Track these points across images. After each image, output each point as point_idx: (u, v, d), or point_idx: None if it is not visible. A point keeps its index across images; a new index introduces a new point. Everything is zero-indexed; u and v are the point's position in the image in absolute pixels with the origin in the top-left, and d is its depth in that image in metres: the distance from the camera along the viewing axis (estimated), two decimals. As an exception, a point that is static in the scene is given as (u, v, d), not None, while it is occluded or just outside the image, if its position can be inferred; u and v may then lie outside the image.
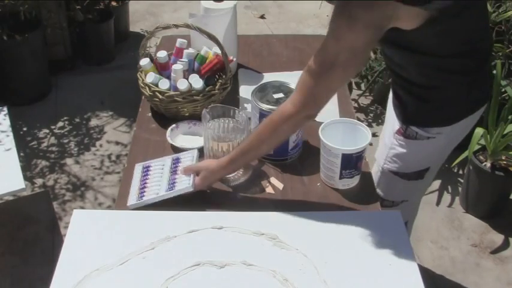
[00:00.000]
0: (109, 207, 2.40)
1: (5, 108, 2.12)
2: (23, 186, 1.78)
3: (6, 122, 2.05)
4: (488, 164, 2.30)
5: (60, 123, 2.94)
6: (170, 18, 3.91)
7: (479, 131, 2.22)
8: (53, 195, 2.48)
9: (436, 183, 2.60)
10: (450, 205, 2.50)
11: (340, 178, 1.33)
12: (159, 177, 1.33)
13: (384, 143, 1.50)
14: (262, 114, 1.36)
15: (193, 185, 1.28)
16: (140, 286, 1.08)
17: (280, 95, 1.40)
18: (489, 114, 2.29)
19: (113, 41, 3.46)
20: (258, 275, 1.10)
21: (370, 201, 1.32)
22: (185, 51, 1.58)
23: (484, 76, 1.40)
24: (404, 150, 1.44)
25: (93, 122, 2.96)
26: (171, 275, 1.09)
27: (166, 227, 1.20)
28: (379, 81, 2.85)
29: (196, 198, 1.31)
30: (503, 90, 2.42)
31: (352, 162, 1.31)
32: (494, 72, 2.35)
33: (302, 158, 1.45)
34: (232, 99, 1.63)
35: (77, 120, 2.97)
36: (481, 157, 2.34)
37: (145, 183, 1.33)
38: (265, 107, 1.35)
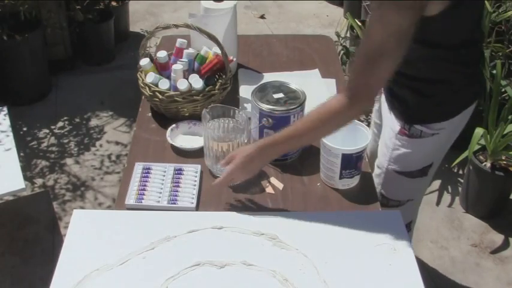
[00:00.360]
0: (109, 207, 2.40)
1: (5, 108, 2.12)
2: (23, 186, 1.78)
3: (6, 122, 2.05)
4: (488, 164, 2.30)
5: (60, 123, 2.94)
6: (170, 18, 3.91)
7: (479, 131, 2.22)
8: (53, 195, 2.48)
9: (436, 183, 2.60)
10: (450, 205, 2.50)
11: (340, 178, 1.33)
12: (159, 183, 1.34)
13: (385, 145, 1.50)
14: (262, 114, 1.36)
15: (196, 206, 1.29)
16: (140, 286, 1.08)
17: (280, 95, 1.40)
18: (489, 114, 2.29)
19: (113, 41, 3.46)
20: (258, 275, 1.10)
21: (370, 201, 1.32)
22: (185, 51, 1.58)
23: (480, 69, 1.45)
24: (409, 150, 1.44)
25: (93, 122, 2.96)
26: (171, 275, 1.09)
27: (166, 227, 1.20)
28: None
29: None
30: (503, 90, 2.42)
31: (352, 162, 1.31)
32: (494, 72, 2.35)
33: (302, 158, 1.45)
34: (232, 99, 1.63)
35: (77, 120, 2.97)
36: (481, 157, 2.34)
37: (145, 185, 1.33)
38: (265, 107, 1.35)
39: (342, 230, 1.21)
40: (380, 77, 1.19)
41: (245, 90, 1.67)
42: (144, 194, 1.31)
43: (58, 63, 3.26)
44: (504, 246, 2.30)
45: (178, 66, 1.50)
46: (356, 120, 1.39)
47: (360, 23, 2.80)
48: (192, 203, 1.29)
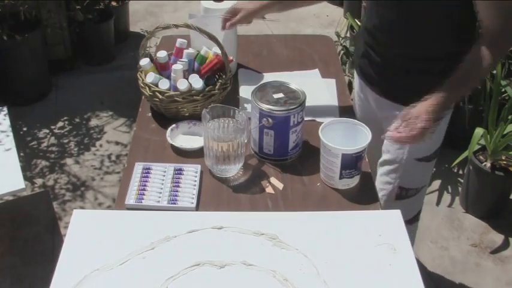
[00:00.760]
0: (109, 207, 2.41)
1: (5, 108, 2.12)
2: (23, 186, 1.78)
3: (6, 122, 2.05)
4: (488, 164, 2.30)
5: (60, 123, 2.94)
6: (170, 18, 3.91)
7: (479, 131, 2.22)
8: (53, 195, 2.48)
9: (436, 183, 2.60)
10: (450, 205, 2.50)
11: (340, 178, 1.33)
12: (159, 183, 1.34)
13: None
14: (262, 114, 1.36)
15: (196, 206, 1.29)
16: (140, 286, 1.08)
17: (280, 95, 1.40)
18: (489, 114, 2.29)
19: (113, 41, 3.46)
20: (258, 275, 1.10)
21: (370, 201, 1.32)
22: (185, 51, 1.58)
23: None
24: None
25: (93, 122, 2.96)
26: (171, 275, 1.09)
27: (166, 227, 1.20)
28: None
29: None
30: (503, 90, 2.42)
31: (352, 162, 1.31)
32: (494, 72, 2.35)
33: (302, 158, 1.45)
34: (232, 99, 1.63)
35: (77, 120, 2.97)
36: (481, 157, 2.34)
37: (145, 185, 1.33)
38: (265, 107, 1.35)
39: (342, 230, 1.21)
40: None
41: (245, 90, 1.67)
42: (144, 194, 1.31)
43: (58, 63, 3.27)
44: (504, 246, 2.30)
45: (178, 66, 1.50)
46: (356, 120, 1.40)
47: (359, 23, 2.79)
48: (192, 203, 1.29)
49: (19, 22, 2.89)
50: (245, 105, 1.62)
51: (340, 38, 2.84)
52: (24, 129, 2.88)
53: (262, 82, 1.53)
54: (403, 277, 1.10)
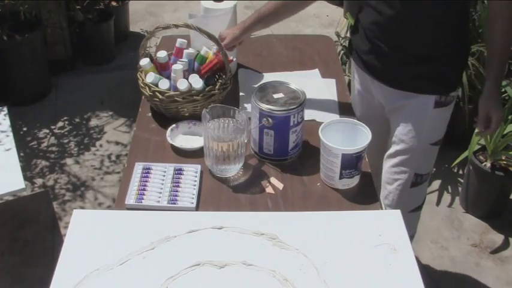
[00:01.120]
0: (109, 207, 2.41)
1: (5, 108, 2.12)
2: (23, 186, 1.78)
3: (6, 122, 2.05)
4: (488, 164, 2.30)
5: (60, 123, 2.94)
6: (170, 18, 3.91)
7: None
8: (53, 195, 2.48)
9: (436, 183, 2.60)
10: (450, 205, 2.50)
11: (340, 178, 1.33)
12: (160, 184, 1.34)
13: (414, 125, 1.57)
14: (262, 114, 1.36)
15: (196, 206, 1.29)
16: (140, 286, 1.08)
17: (280, 95, 1.40)
18: (489, 114, 2.29)
19: (113, 41, 3.46)
20: (258, 275, 1.10)
21: (370, 201, 1.32)
22: (185, 51, 1.58)
23: None
24: (443, 119, 1.59)
25: (93, 122, 2.96)
26: (171, 275, 1.09)
27: (166, 227, 1.20)
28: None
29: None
30: (503, 90, 2.42)
31: (352, 162, 1.31)
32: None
33: (302, 158, 1.45)
34: (232, 99, 1.63)
35: (77, 120, 2.97)
36: (481, 157, 2.34)
37: (145, 185, 1.33)
38: (265, 107, 1.35)
39: (342, 230, 1.21)
40: None
41: (245, 90, 1.67)
42: (144, 194, 1.31)
43: (58, 63, 3.27)
44: (504, 246, 2.30)
45: (178, 66, 1.50)
46: (356, 120, 1.40)
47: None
48: (192, 203, 1.29)
49: (19, 22, 2.89)
50: (245, 105, 1.62)
51: (340, 38, 2.84)
52: (24, 129, 2.88)
53: (262, 82, 1.53)
54: (403, 277, 1.10)
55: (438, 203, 2.51)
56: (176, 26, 1.47)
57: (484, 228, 2.38)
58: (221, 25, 1.66)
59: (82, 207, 2.41)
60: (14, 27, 2.88)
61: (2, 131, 2.00)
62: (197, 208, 1.29)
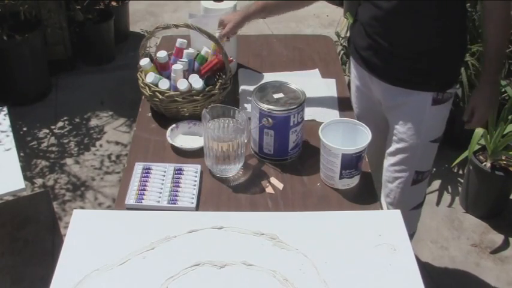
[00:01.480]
0: (109, 207, 2.41)
1: (5, 108, 2.12)
2: (23, 186, 1.78)
3: (6, 122, 2.05)
4: (488, 164, 2.30)
5: (60, 123, 2.94)
6: (170, 18, 3.91)
7: (479, 131, 2.22)
8: (53, 195, 2.48)
9: (436, 183, 2.60)
10: (450, 205, 2.50)
11: (340, 178, 1.33)
12: (159, 184, 1.34)
13: (413, 123, 1.58)
14: (262, 114, 1.36)
15: (196, 206, 1.29)
16: (140, 286, 1.08)
17: (280, 95, 1.40)
18: (489, 114, 2.29)
19: (113, 41, 3.46)
20: (258, 275, 1.10)
21: (370, 201, 1.32)
22: (185, 51, 1.58)
23: None
24: (441, 116, 1.59)
25: (93, 122, 2.96)
26: (171, 275, 1.09)
27: (166, 227, 1.20)
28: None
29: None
30: (503, 90, 2.43)
31: (352, 162, 1.31)
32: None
33: (302, 158, 1.45)
34: (232, 99, 1.63)
35: (77, 120, 2.97)
36: (481, 157, 2.34)
37: (145, 185, 1.33)
38: (265, 107, 1.35)
39: (342, 230, 1.21)
40: None
41: (245, 90, 1.67)
42: (144, 194, 1.31)
43: (58, 63, 3.27)
44: (504, 246, 2.30)
45: (178, 66, 1.50)
46: (356, 120, 1.40)
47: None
48: (192, 203, 1.29)
49: (19, 22, 2.89)
50: (245, 105, 1.62)
51: (340, 38, 2.84)
52: (24, 129, 2.88)
53: (262, 82, 1.53)
54: (403, 277, 1.10)
55: (438, 203, 2.51)
56: (176, 26, 1.47)
57: (484, 228, 2.38)
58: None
59: (82, 207, 2.41)
60: (14, 27, 2.88)
61: (2, 131, 2.00)
62: (197, 208, 1.29)
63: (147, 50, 1.64)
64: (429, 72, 1.52)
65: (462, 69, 2.40)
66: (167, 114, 1.54)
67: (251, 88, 1.44)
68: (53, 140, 2.82)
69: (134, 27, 3.83)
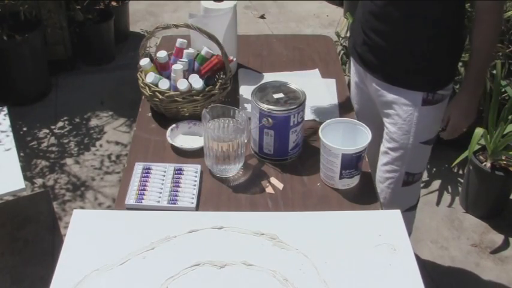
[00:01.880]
0: (109, 207, 2.41)
1: (5, 108, 2.13)
2: (23, 186, 1.78)
3: (6, 122, 2.05)
4: (488, 164, 2.30)
5: (60, 123, 2.94)
6: (170, 18, 3.92)
7: (479, 131, 2.22)
8: (53, 195, 2.48)
9: (436, 183, 2.60)
10: (450, 205, 2.50)
11: (340, 178, 1.33)
12: (160, 184, 1.34)
13: (404, 123, 1.57)
14: (262, 114, 1.36)
15: (196, 206, 1.29)
16: (140, 286, 1.08)
17: (280, 95, 1.40)
18: (489, 114, 2.29)
19: (113, 41, 3.46)
20: (258, 275, 1.10)
21: (370, 201, 1.32)
22: (185, 51, 1.58)
23: None
24: (432, 117, 1.58)
25: (93, 122, 2.96)
26: (171, 275, 1.09)
27: (166, 227, 1.20)
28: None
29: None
30: (503, 90, 2.43)
31: (352, 162, 1.31)
32: (494, 72, 2.36)
33: (302, 158, 1.45)
34: (232, 99, 1.63)
35: (77, 120, 2.97)
36: (481, 157, 2.34)
37: (145, 185, 1.33)
38: (265, 107, 1.35)
39: (342, 230, 1.21)
40: None
41: (245, 90, 1.67)
42: (144, 194, 1.31)
43: (58, 63, 3.27)
44: (504, 246, 2.30)
45: (178, 66, 1.50)
46: (356, 120, 1.40)
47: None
48: (192, 203, 1.29)
49: (19, 22, 2.89)
50: (245, 105, 1.62)
51: (340, 38, 2.85)
52: (24, 129, 2.88)
53: (262, 82, 1.53)
54: (403, 277, 1.10)
55: (438, 203, 2.51)
56: (176, 26, 1.47)
57: (484, 228, 2.38)
58: (221, 25, 1.66)
59: (82, 207, 2.41)
60: (14, 27, 2.88)
61: (2, 131, 2.00)
62: (197, 208, 1.29)
63: (147, 50, 1.64)
64: (419, 71, 1.52)
65: (462, 69, 2.40)
66: (167, 114, 1.54)
67: (251, 88, 1.44)
68: (53, 140, 2.82)
69: (134, 27, 3.83)
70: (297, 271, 1.11)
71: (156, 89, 1.49)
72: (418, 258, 1.21)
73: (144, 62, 1.54)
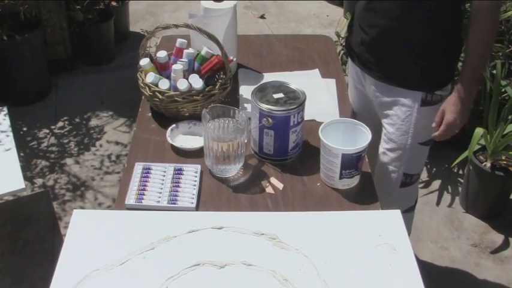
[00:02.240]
0: (109, 207, 2.41)
1: (5, 108, 2.13)
2: (23, 186, 1.78)
3: (6, 122, 2.05)
4: (488, 164, 2.30)
5: (60, 123, 2.94)
6: (170, 18, 3.92)
7: (479, 131, 2.22)
8: (53, 195, 2.48)
9: (436, 183, 2.60)
10: (450, 205, 2.50)
11: (340, 178, 1.33)
12: (159, 184, 1.34)
13: (402, 124, 1.58)
14: (262, 114, 1.36)
15: (196, 206, 1.29)
16: (140, 286, 1.08)
17: (280, 95, 1.40)
18: (489, 114, 2.29)
19: (113, 41, 3.46)
20: (258, 275, 1.10)
21: (370, 201, 1.32)
22: (185, 51, 1.58)
23: None
24: (430, 118, 1.56)
25: (93, 122, 2.96)
26: (171, 275, 1.10)
27: (166, 227, 1.20)
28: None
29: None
30: (503, 90, 2.42)
31: (352, 162, 1.31)
32: (494, 72, 2.36)
33: (302, 158, 1.45)
34: (232, 99, 1.63)
35: (77, 120, 2.97)
36: (481, 157, 2.34)
37: (145, 185, 1.33)
38: (265, 107, 1.35)
39: (342, 230, 1.21)
40: None
41: (245, 90, 1.67)
42: (144, 194, 1.31)
43: (58, 63, 3.27)
44: (504, 246, 2.30)
45: (178, 66, 1.50)
46: (356, 120, 1.40)
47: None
48: (192, 203, 1.29)
49: (19, 22, 2.89)
50: (245, 105, 1.62)
51: (340, 38, 2.84)
52: (24, 129, 2.88)
53: (262, 82, 1.53)
54: (403, 277, 1.10)
55: (438, 203, 2.51)
56: (176, 26, 1.47)
57: (484, 228, 2.38)
58: (221, 25, 1.66)
59: (82, 207, 2.41)
60: (14, 27, 2.88)
61: (2, 131, 2.00)
62: (197, 208, 1.29)
63: (147, 50, 1.64)
64: (418, 70, 1.52)
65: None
66: (167, 114, 1.54)
67: (251, 88, 1.44)
68: (53, 140, 2.82)
69: (134, 27, 3.83)
70: (297, 271, 1.11)
71: (156, 89, 1.49)
72: (418, 258, 1.21)
73: (144, 62, 1.54)
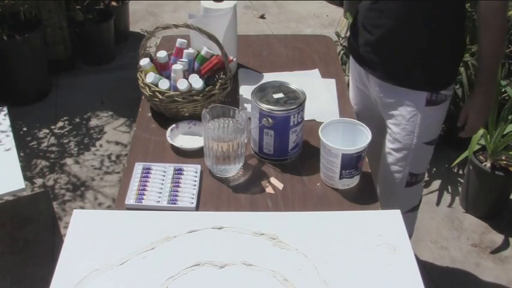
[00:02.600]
0: (109, 207, 2.41)
1: (5, 108, 2.13)
2: (23, 186, 1.78)
3: (6, 122, 2.05)
4: (488, 164, 2.30)
5: (60, 123, 2.94)
6: (170, 18, 3.92)
7: (479, 131, 2.22)
8: (53, 195, 2.48)
9: (436, 183, 2.60)
10: (450, 205, 2.50)
11: (340, 178, 1.33)
12: (160, 184, 1.34)
13: (408, 124, 1.58)
14: (262, 114, 1.36)
15: (196, 206, 1.29)
16: (140, 286, 1.08)
17: (280, 95, 1.40)
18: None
19: (113, 41, 3.46)
20: (258, 275, 1.10)
21: (370, 201, 1.32)
22: (185, 51, 1.58)
23: None
24: (436, 118, 1.59)
25: (93, 122, 2.96)
26: (171, 275, 1.09)
27: (166, 227, 1.20)
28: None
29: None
30: (503, 90, 2.43)
31: (352, 162, 1.31)
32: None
33: (302, 158, 1.45)
34: (232, 99, 1.63)
35: (77, 120, 2.97)
36: (481, 157, 2.34)
37: (145, 185, 1.33)
38: (265, 107, 1.35)
39: (342, 230, 1.21)
40: None
41: (245, 90, 1.67)
42: (144, 194, 1.31)
43: (58, 63, 3.27)
44: (504, 246, 2.30)
45: (178, 66, 1.50)
46: (356, 120, 1.40)
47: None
48: (192, 203, 1.29)
49: (19, 22, 2.90)
50: (245, 105, 1.62)
51: (340, 38, 2.84)
52: (24, 129, 2.88)
53: (262, 82, 1.53)
54: (403, 277, 1.10)
55: (438, 203, 2.51)
56: (176, 26, 1.47)
57: (484, 228, 2.38)
58: (221, 25, 1.66)
59: (82, 207, 2.41)
60: (14, 27, 2.88)
61: (2, 131, 2.00)
62: (197, 208, 1.29)
63: (147, 50, 1.64)
64: (422, 71, 1.52)
65: (462, 69, 2.40)
66: (167, 114, 1.54)
67: (251, 88, 1.44)
68: (53, 140, 2.82)
69: (134, 27, 3.83)
70: (297, 271, 1.11)
71: (156, 89, 1.49)
72: (418, 258, 1.22)
73: (144, 62, 1.54)
